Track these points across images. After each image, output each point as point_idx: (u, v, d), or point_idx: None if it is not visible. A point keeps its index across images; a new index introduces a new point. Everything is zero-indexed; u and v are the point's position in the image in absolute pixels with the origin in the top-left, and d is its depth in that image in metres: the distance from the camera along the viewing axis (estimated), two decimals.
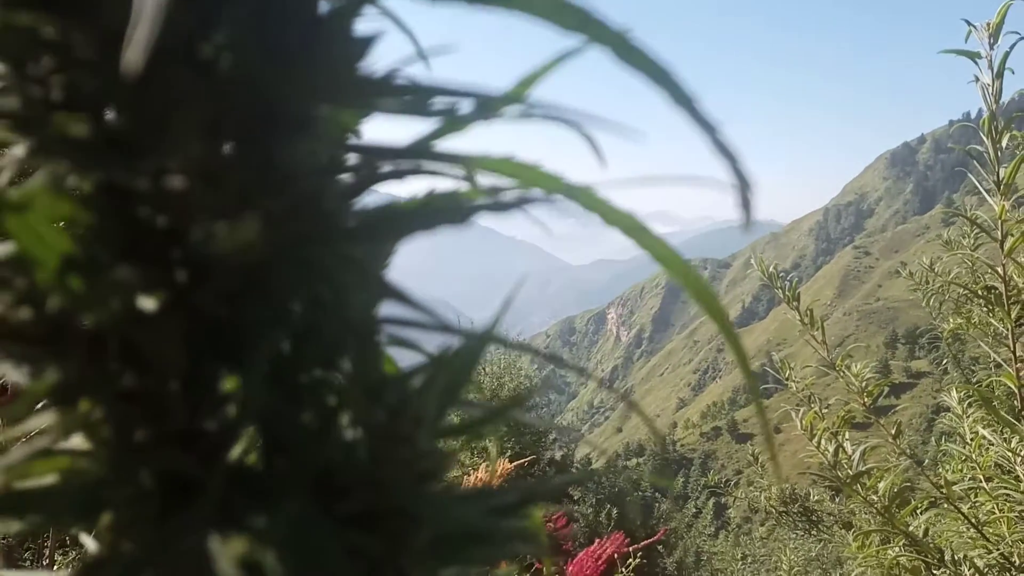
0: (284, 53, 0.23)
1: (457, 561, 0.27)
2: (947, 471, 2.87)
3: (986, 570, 2.35)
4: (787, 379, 2.97)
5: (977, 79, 2.25)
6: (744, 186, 0.25)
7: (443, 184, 0.27)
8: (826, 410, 2.82)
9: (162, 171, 0.23)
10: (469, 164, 0.27)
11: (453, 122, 0.27)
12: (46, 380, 0.24)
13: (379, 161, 0.27)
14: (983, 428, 2.64)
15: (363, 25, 0.26)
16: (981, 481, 2.60)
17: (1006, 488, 2.45)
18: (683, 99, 0.24)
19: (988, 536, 2.44)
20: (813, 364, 3.06)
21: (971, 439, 2.67)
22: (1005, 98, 2.25)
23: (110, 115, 0.23)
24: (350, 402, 0.26)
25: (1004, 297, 2.24)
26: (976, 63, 2.24)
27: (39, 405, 0.25)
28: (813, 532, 4.51)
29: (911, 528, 2.40)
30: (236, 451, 0.25)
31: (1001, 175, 2.19)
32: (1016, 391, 2.27)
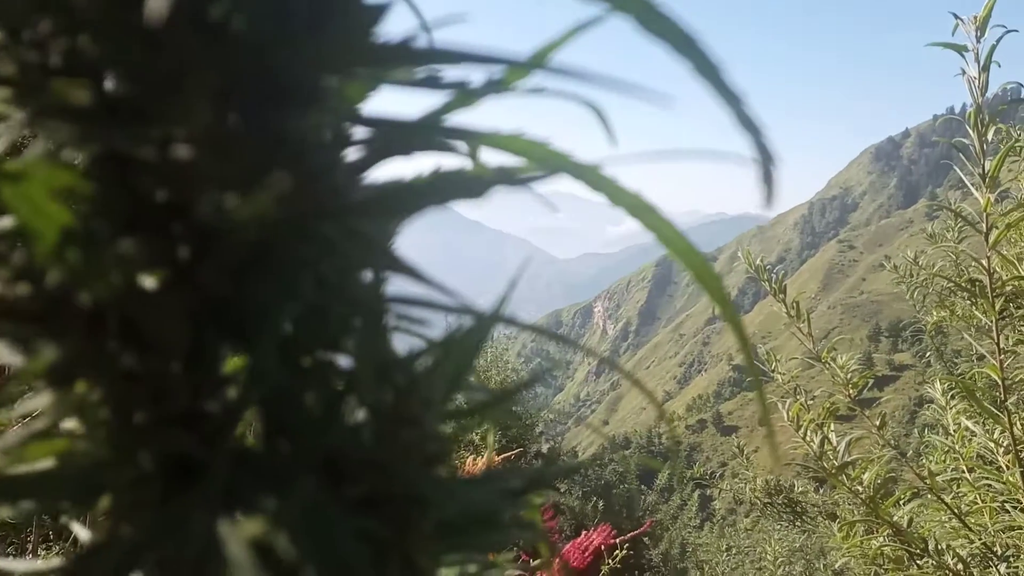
0: (296, 17, 0.22)
1: (462, 546, 0.27)
2: (930, 462, 2.89)
3: (969, 559, 2.38)
4: (773, 371, 2.99)
5: (964, 72, 2.26)
6: (767, 160, 0.24)
7: (451, 161, 0.27)
8: (811, 402, 2.83)
9: (168, 140, 0.22)
10: (478, 140, 0.26)
11: (464, 95, 0.26)
12: (43, 359, 0.23)
13: (388, 135, 0.26)
14: (966, 419, 2.67)
15: None
16: (964, 472, 2.63)
17: (988, 479, 2.47)
18: (708, 68, 0.23)
19: (971, 526, 2.47)
20: (799, 356, 3.08)
21: (954, 430, 2.70)
22: (991, 91, 2.26)
23: (112, 82, 0.22)
24: (357, 383, 0.25)
25: (988, 289, 2.25)
26: (963, 56, 2.25)
27: (36, 385, 0.24)
28: (797, 523, 4.54)
29: (895, 518, 2.42)
30: (239, 436, 0.24)
31: (987, 168, 2.20)
32: (999, 382, 2.29)
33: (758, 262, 2.99)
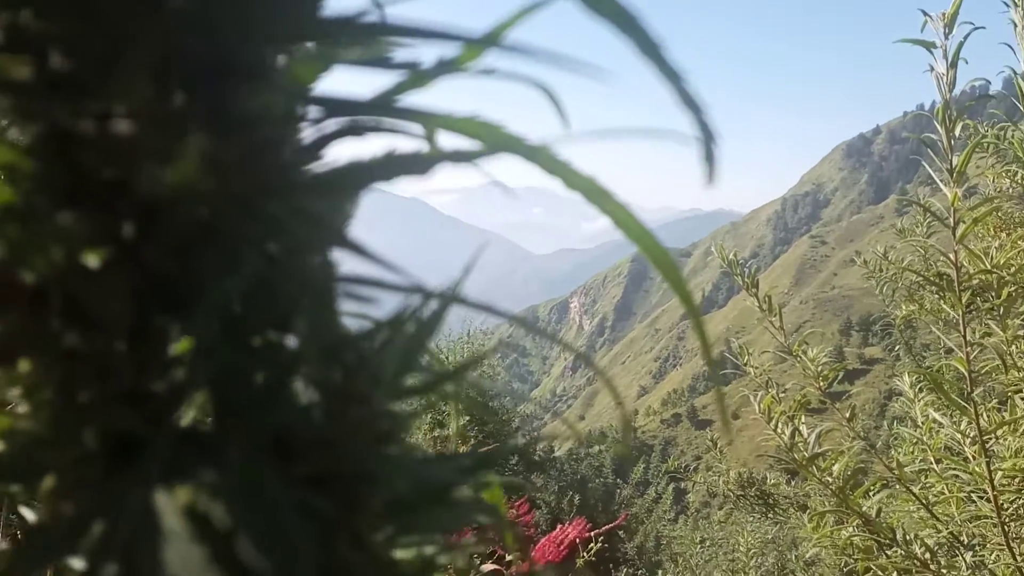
0: None
1: (417, 527, 0.27)
2: (899, 454, 2.93)
3: (936, 548, 2.42)
4: (745, 364, 3.02)
5: (932, 68, 2.29)
6: (708, 138, 0.24)
7: (405, 143, 0.26)
8: (783, 394, 2.86)
9: (108, 115, 0.22)
10: (431, 122, 0.26)
11: (416, 76, 0.26)
12: None
13: (339, 115, 0.26)
14: (934, 411, 2.71)
15: None
16: (932, 463, 2.67)
17: (955, 469, 2.51)
18: (650, 47, 0.24)
19: (938, 516, 2.51)
20: (771, 350, 3.11)
21: (922, 422, 2.74)
22: (959, 88, 2.29)
23: (55, 58, 0.22)
24: (305, 361, 0.25)
25: (956, 283, 2.29)
26: (931, 52, 2.28)
27: None
28: (770, 515, 4.59)
29: (864, 509, 2.45)
30: (188, 416, 0.24)
31: (954, 163, 2.23)
32: (966, 375, 2.32)
33: (731, 256, 3.01)
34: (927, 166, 2.38)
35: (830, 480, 2.49)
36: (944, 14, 2.24)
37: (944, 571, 2.38)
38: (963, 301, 2.29)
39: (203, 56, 0.22)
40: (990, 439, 2.40)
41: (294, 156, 0.25)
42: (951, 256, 2.29)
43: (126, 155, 0.22)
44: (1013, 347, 2.37)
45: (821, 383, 2.73)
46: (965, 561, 2.37)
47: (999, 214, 3.01)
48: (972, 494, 2.54)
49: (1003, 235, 2.82)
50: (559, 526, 2.38)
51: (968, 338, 2.35)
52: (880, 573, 2.56)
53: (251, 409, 0.24)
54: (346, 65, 0.26)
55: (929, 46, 2.27)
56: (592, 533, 2.58)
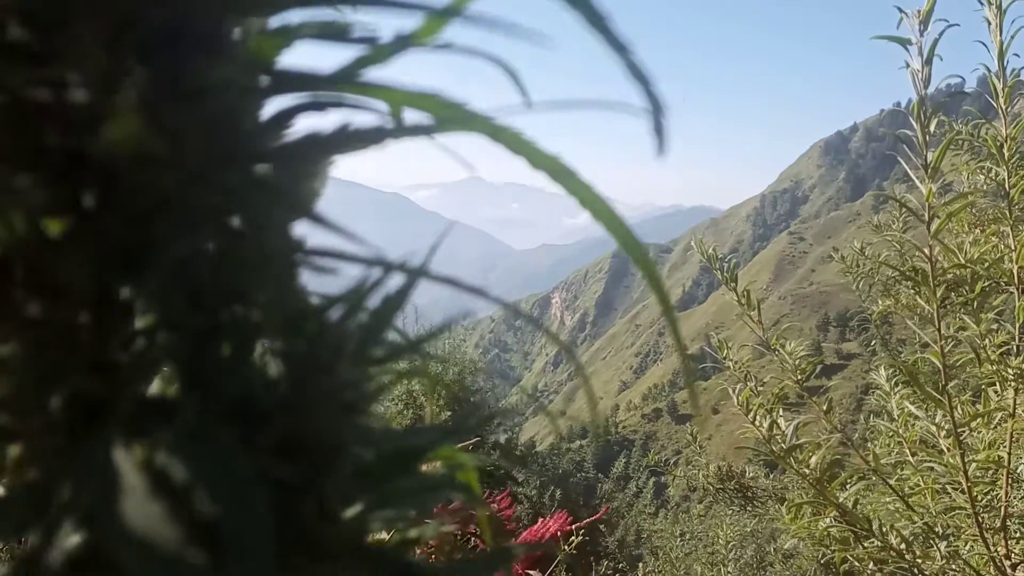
0: None
1: (388, 500, 0.27)
2: (875, 447, 2.96)
3: (911, 539, 2.45)
4: (724, 358, 3.04)
5: (908, 65, 2.31)
6: (657, 110, 0.24)
7: (366, 118, 0.27)
8: (761, 388, 2.89)
9: (63, 83, 0.22)
10: (393, 97, 0.26)
11: (377, 51, 0.26)
12: None
13: (300, 90, 0.26)
14: (910, 404, 2.74)
15: None
16: (907, 455, 2.71)
17: (930, 461, 2.55)
18: (597, 20, 0.24)
19: (913, 507, 2.54)
20: (750, 345, 3.14)
21: (898, 415, 2.77)
22: (933, 85, 2.32)
23: (10, 27, 0.22)
24: (268, 332, 0.25)
25: (931, 278, 2.31)
26: (907, 50, 2.30)
27: None
28: (748, 508, 4.63)
29: (841, 500, 2.48)
30: (154, 386, 0.24)
31: (929, 159, 2.26)
32: (941, 368, 2.35)
33: (711, 251, 3.03)
34: (903, 162, 2.40)
35: (807, 472, 2.51)
36: (919, 11, 2.26)
37: (919, 561, 2.41)
38: (938, 296, 2.31)
39: (158, 25, 0.22)
40: (964, 432, 2.43)
41: (253, 128, 0.25)
42: (926, 251, 2.31)
43: (83, 124, 0.22)
44: (987, 341, 2.40)
45: (799, 377, 2.76)
46: (940, 551, 2.41)
47: (973, 210, 3.05)
48: (947, 486, 2.57)
49: (977, 230, 2.85)
50: (540, 520, 2.39)
51: (943, 332, 2.38)
52: (857, 563, 2.60)
53: (216, 379, 0.24)
54: (306, 39, 0.26)
55: (905, 43, 2.29)
56: (573, 527, 2.59)
